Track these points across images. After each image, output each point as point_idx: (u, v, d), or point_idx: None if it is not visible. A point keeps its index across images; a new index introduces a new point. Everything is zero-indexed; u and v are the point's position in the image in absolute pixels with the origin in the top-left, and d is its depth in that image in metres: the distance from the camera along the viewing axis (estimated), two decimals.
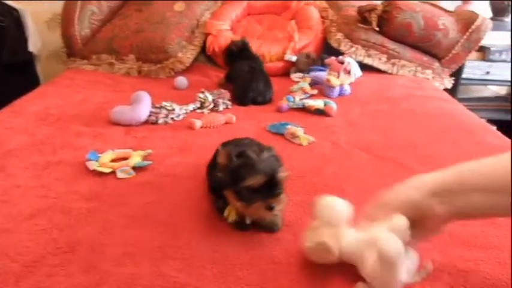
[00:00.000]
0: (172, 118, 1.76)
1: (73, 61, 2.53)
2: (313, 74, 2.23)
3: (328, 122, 1.78)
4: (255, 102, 1.98)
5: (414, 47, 2.49)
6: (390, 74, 2.46)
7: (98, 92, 2.12)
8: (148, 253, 0.98)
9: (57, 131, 1.64)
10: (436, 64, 2.54)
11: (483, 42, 2.59)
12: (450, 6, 2.76)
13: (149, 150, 1.46)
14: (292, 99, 1.91)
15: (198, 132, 1.67)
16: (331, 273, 0.92)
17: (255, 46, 2.43)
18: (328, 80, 2.03)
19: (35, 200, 1.19)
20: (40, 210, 1.14)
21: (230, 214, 1.04)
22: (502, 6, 2.85)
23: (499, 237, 1.05)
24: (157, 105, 1.77)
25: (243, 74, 2.05)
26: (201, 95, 1.89)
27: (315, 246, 0.89)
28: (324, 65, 2.29)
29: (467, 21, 2.50)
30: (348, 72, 2.13)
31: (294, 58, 2.42)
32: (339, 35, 2.47)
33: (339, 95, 2.07)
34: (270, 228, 1.06)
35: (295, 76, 2.36)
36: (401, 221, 0.81)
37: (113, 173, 1.33)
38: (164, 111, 1.75)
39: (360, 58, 2.40)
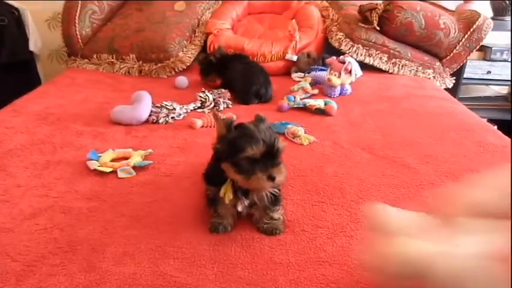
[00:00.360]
0: (172, 117, 1.76)
1: (74, 60, 2.53)
2: (313, 73, 2.23)
3: (328, 121, 1.78)
4: (258, 96, 1.98)
5: (415, 46, 2.48)
6: (391, 73, 2.46)
7: (99, 91, 2.11)
8: (149, 253, 0.98)
9: (57, 131, 1.63)
10: (437, 64, 2.53)
11: (484, 42, 2.58)
12: (451, 5, 2.76)
13: (150, 150, 1.46)
14: (293, 99, 1.90)
15: (199, 132, 1.67)
16: (331, 274, 0.92)
17: (256, 45, 2.43)
18: (329, 80, 2.03)
19: (35, 199, 1.19)
20: (41, 209, 1.14)
21: (227, 193, 1.02)
22: (503, 5, 2.84)
23: None
24: (158, 105, 1.77)
25: (239, 73, 2.06)
26: (201, 95, 1.89)
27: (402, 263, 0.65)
28: (324, 65, 2.29)
29: (468, 21, 2.49)
30: (349, 72, 2.13)
31: (294, 57, 2.41)
32: (340, 35, 2.47)
33: (339, 94, 2.07)
34: (271, 233, 1.05)
35: (296, 76, 2.35)
36: None
37: (114, 172, 1.33)
38: (165, 111, 1.75)
39: (361, 58, 2.40)
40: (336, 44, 2.46)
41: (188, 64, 2.42)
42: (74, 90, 2.10)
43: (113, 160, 1.40)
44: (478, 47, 2.56)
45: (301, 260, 0.97)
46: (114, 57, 2.43)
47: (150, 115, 1.74)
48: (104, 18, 2.61)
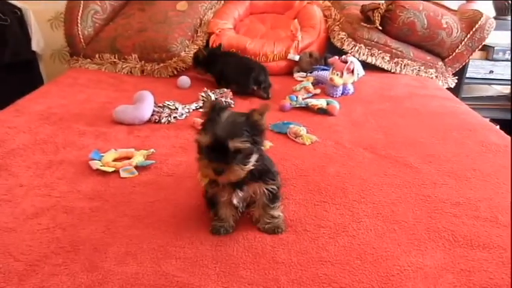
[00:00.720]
0: (175, 117, 1.76)
1: (76, 60, 2.53)
2: (316, 73, 2.23)
3: (331, 121, 1.78)
4: (257, 82, 2.01)
5: (417, 46, 2.48)
6: (393, 73, 2.45)
7: (101, 91, 2.12)
8: (151, 252, 0.98)
9: (60, 130, 1.64)
10: (440, 63, 2.53)
11: (487, 41, 2.57)
12: (454, 5, 2.75)
13: (152, 150, 1.46)
14: (295, 99, 1.90)
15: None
16: (333, 274, 0.92)
17: (258, 45, 2.43)
18: (331, 79, 2.03)
19: (38, 199, 1.19)
20: (43, 209, 1.14)
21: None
22: (505, 5, 2.83)
23: (502, 237, 1.05)
24: (160, 105, 1.77)
25: (233, 65, 2.12)
26: (203, 94, 1.89)
27: None
28: (326, 64, 2.29)
29: (471, 20, 2.49)
30: (351, 72, 2.12)
31: (296, 57, 2.41)
32: (342, 34, 2.47)
33: (342, 94, 2.07)
34: (273, 232, 1.05)
35: (298, 75, 2.35)
36: None
37: (116, 172, 1.33)
38: (167, 111, 1.75)
39: (363, 57, 2.40)
40: (338, 44, 2.46)
41: (190, 64, 2.41)
42: (76, 90, 2.10)
43: (115, 160, 1.40)
44: (480, 47, 2.55)
45: (303, 259, 0.97)
46: (117, 57, 2.43)
47: (152, 115, 1.74)
48: (106, 18, 2.61)
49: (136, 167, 1.34)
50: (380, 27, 2.41)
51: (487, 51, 2.81)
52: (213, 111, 0.96)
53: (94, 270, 0.92)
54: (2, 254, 0.97)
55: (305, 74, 2.33)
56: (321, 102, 1.86)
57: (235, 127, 0.94)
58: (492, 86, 3.09)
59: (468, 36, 2.48)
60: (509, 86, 3.00)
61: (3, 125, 1.64)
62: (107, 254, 0.97)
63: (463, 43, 2.49)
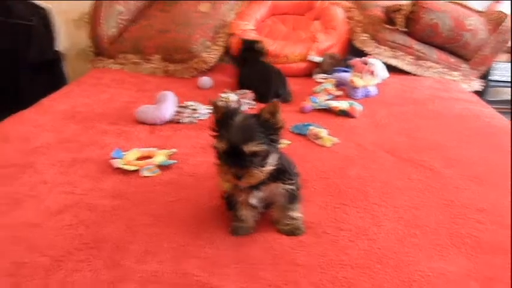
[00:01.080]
0: (196, 118, 1.77)
1: (99, 60, 2.58)
2: (337, 75, 2.21)
3: (352, 123, 1.76)
4: (277, 95, 1.99)
5: (441, 47, 2.44)
6: (416, 75, 2.41)
7: (124, 91, 2.15)
8: (171, 251, 0.99)
9: (83, 129, 1.67)
10: (464, 65, 2.48)
11: None
12: (481, 6, 2.69)
13: (173, 149, 1.47)
14: (316, 100, 1.90)
15: None
16: (353, 277, 0.92)
17: (279, 46, 2.42)
18: (352, 81, 2.01)
19: (61, 196, 1.22)
20: (67, 206, 1.17)
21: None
22: None
23: None
24: (182, 105, 1.79)
25: (257, 73, 2.09)
26: (224, 95, 1.90)
27: None
28: (348, 66, 2.27)
29: (496, 22, 2.43)
30: (372, 74, 2.10)
31: (317, 59, 2.40)
32: (364, 36, 2.44)
33: (364, 96, 2.05)
34: (292, 233, 1.05)
35: (318, 77, 2.34)
36: None
37: (137, 171, 1.34)
38: (188, 111, 1.77)
39: (386, 59, 2.37)
40: (360, 46, 2.44)
41: (211, 64, 2.43)
42: (99, 90, 2.14)
43: (137, 159, 1.42)
44: (505, 49, 2.50)
45: (323, 262, 0.96)
46: (139, 58, 2.46)
47: (174, 115, 1.75)
48: (129, 19, 2.64)
49: (157, 166, 1.36)
50: (403, 29, 2.38)
51: None
52: (225, 116, 0.96)
53: (115, 267, 0.94)
54: (28, 248, 0.99)
55: (326, 75, 2.31)
56: (342, 104, 1.85)
57: (249, 130, 0.94)
58: None
59: (493, 38, 2.42)
60: None
61: (28, 124, 1.68)
62: (128, 252, 0.98)
63: (488, 45, 2.44)
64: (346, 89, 2.09)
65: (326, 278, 0.91)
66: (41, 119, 1.74)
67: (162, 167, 1.37)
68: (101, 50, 2.57)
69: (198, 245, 1.01)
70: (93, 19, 2.55)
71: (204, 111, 1.81)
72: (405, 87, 2.23)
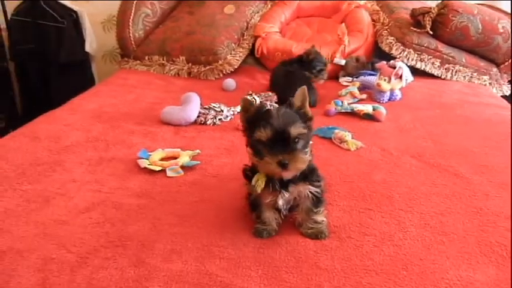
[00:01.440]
0: (220, 119, 1.78)
1: (126, 62, 2.62)
2: (362, 78, 2.19)
3: (377, 127, 1.74)
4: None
5: (470, 51, 2.38)
6: (444, 79, 2.37)
7: (150, 92, 2.18)
8: (196, 251, 1.00)
9: (110, 129, 1.70)
10: (494, 69, 2.42)
11: None
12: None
13: (197, 151, 1.48)
14: (340, 104, 1.88)
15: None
16: (377, 283, 0.90)
17: (304, 49, 2.41)
18: (378, 85, 1.99)
19: (89, 194, 1.25)
20: (94, 204, 1.19)
21: (259, 181, 1.00)
22: None
23: None
24: (206, 106, 1.80)
25: (281, 78, 2.07)
26: (248, 97, 1.90)
27: None
28: (374, 69, 2.24)
29: None
30: (399, 77, 2.07)
31: (343, 62, 2.38)
32: (391, 39, 2.41)
33: (389, 100, 2.02)
34: (316, 237, 1.04)
35: (343, 80, 2.32)
36: None
37: (163, 171, 1.36)
38: (213, 112, 1.78)
39: (412, 62, 2.33)
40: (387, 49, 2.41)
41: (236, 67, 2.44)
42: (126, 91, 2.18)
43: (162, 159, 1.44)
44: None
45: (347, 266, 0.95)
46: (165, 59, 2.50)
47: (198, 116, 1.77)
48: (156, 21, 2.69)
49: (182, 167, 1.37)
50: (431, 32, 2.33)
51: None
52: (258, 111, 0.98)
53: (141, 265, 0.95)
54: (56, 245, 1.02)
55: (351, 78, 2.29)
56: (367, 108, 1.83)
57: (291, 115, 0.96)
58: None
59: None
60: None
61: (59, 123, 1.73)
62: (153, 251, 1.00)
63: None
64: (371, 93, 2.07)
65: (349, 282, 0.90)
66: (71, 118, 1.78)
67: (187, 167, 1.38)
68: (128, 51, 2.62)
69: (221, 245, 1.02)
70: (121, 21, 2.61)
71: (228, 113, 1.82)
72: (432, 91, 2.19)
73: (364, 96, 2.03)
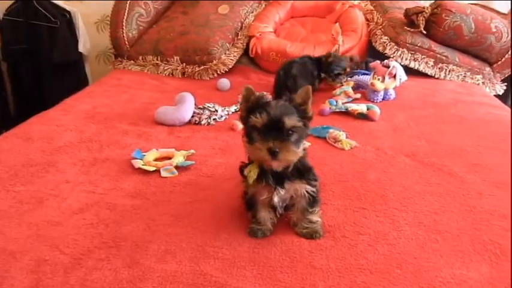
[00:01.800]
0: (214, 119, 1.78)
1: (120, 62, 2.61)
2: (356, 77, 2.19)
3: (371, 126, 1.75)
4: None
5: (464, 51, 2.39)
6: (437, 78, 2.38)
7: (144, 92, 2.17)
8: (190, 251, 0.99)
9: (104, 129, 1.69)
10: (487, 69, 2.43)
11: None
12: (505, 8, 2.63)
13: (192, 151, 1.48)
14: (334, 103, 1.88)
15: (240, 134, 1.67)
16: (372, 282, 0.91)
17: (298, 49, 2.42)
18: (372, 84, 1.99)
19: (82, 195, 1.24)
20: (87, 205, 1.19)
21: (251, 173, 1.00)
22: None
23: None
24: (201, 106, 1.80)
25: (279, 77, 2.07)
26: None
27: None
28: (367, 69, 2.25)
29: None
30: (393, 77, 2.08)
31: None
32: (385, 38, 2.42)
33: (383, 99, 2.03)
34: (311, 237, 1.05)
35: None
36: None
37: (157, 171, 1.36)
38: (207, 112, 1.78)
39: (406, 62, 2.33)
40: (380, 48, 2.41)
41: (230, 66, 2.44)
42: (120, 91, 2.17)
43: (156, 159, 1.43)
44: None
45: (341, 266, 0.95)
46: (159, 59, 2.49)
47: (192, 116, 1.77)
48: (150, 21, 2.68)
49: (176, 167, 1.37)
50: (424, 32, 2.34)
51: None
52: (259, 100, 0.99)
53: (135, 266, 0.95)
54: (49, 246, 1.01)
55: (345, 78, 2.29)
56: (361, 107, 1.83)
57: (288, 107, 0.97)
58: None
59: None
60: None
61: (52, 123, 1.72)
62: (147, 251, 0.99)
63: None
64: (366, 92, 2.07)
65: (344, 282, 0.91)
66: (64, 119, 1.77)
67: (181, 167, 1.38)
68: (121, 51, 2.60)
69: (216, 245, 1.01)
70: (115, 21, 2.59)
71: (223, 113, 1.82)
72: (426, 90, 2.20)
73: (358, 95, 2.04)
